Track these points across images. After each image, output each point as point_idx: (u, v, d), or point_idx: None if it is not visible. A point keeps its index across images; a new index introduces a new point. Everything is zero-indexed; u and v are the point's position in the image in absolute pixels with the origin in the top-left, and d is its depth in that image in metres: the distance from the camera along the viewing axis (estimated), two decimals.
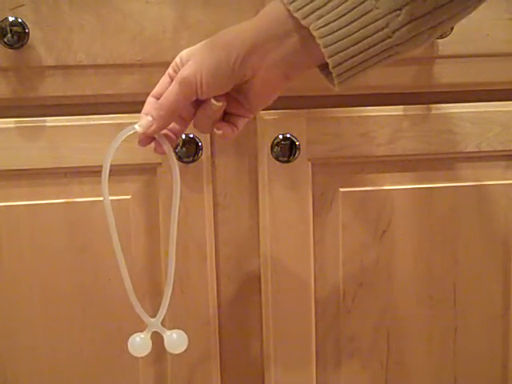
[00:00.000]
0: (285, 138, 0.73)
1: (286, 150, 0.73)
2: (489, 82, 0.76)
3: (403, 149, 0.76)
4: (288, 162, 0.73)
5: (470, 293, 0.80)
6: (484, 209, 0.79)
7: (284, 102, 0.74)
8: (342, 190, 0.77)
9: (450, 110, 0.76)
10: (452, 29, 0.71)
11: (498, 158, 0.78)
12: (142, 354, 0.63)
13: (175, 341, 0.63)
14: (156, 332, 0.63)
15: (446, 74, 0.75)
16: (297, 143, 0.73)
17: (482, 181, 0.78)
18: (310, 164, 0.75)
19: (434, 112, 0.76)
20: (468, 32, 0.73)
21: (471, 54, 0.74)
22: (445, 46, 0.73)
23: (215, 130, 0.58)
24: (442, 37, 0.72)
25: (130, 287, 0.62)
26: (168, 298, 0.62)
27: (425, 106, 0.76)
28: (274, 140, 0.73)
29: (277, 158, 0.73)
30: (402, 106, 0.75)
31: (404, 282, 0.79)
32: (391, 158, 0.76)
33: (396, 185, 0.77)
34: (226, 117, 0.59)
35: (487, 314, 0.81)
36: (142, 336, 0.63)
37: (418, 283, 0.79)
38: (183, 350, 0.63)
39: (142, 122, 0.57)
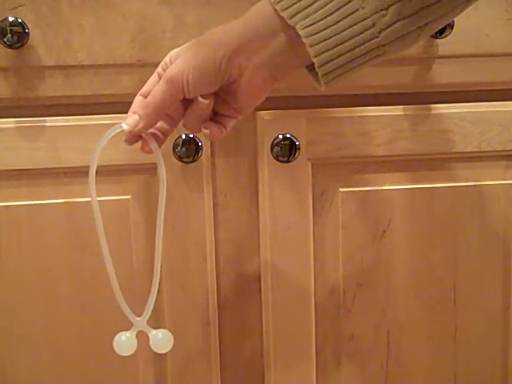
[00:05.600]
0: (285, 138, 0.73)
1: (286, 150, 0.73)
2: (489, 82, 0.76)
3: (403, 149, 0.76)
4: (288, 161, 0.73)
5: (469, 293, 0.80)
6: (484, 209, 0.79)
7: (284, 102, 0.74)
8: (341, 189, 0.77)
9: (450, 110, 0.76)
10: (452, 28, 0.71)
11: (498, 158, 0.78)
12: (127, 353, 0.63)
13: (160, 340, 0.63)
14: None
15: (446, 74, 0.75)
16: (297, 143, 0.73)
17: (482, 181, 0.78)
18: (309, 164, 0.75)
19: (433, 112, 0.76)
20: (468, 32, 0.73)
21: (471, 54, 0.74)
22: (445, 46, 0.73)
23: (203, 129, 0.58)
24: (442, 37, 0.72)
25: (116, 286, 0.62)
26: (154, 297, 0.62)
27: (425, 106, 0.76)
28: (274, 140, 0.73)
29: (277, 158, 0.73)
30: (401, 106, 0.75)
31: (404, 282, 0.79)
32: (391, 157, 0.76)
33: (396, 185, 0.77)
34: (215, 117, 0.59)
35: (487, 313, 0.81)
36: (128, 335, 0.63)
37: (418, 283, 0.79)
38: (168, 349, 0.63)
39: (128, 120, 0.57)
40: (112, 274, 0.62)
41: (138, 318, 0.63)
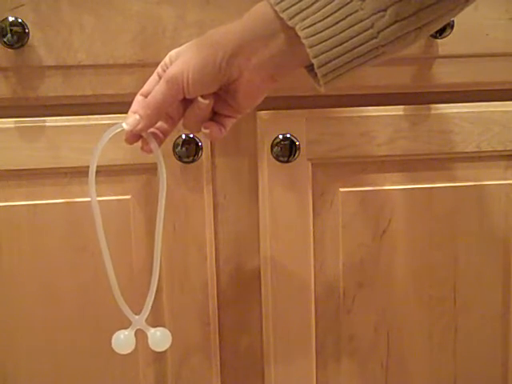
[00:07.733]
0: (285, 138, 0.73)
1: (286, 150, 0.73)
2: (489, 82, 0.76)
3: (403, 149, 0.76)
4: (288, 161, 0.73)
5: (470, 293, 0.80)
6: (484, 209, 0.79)
7: (284, 102, 0.74)
8: (341, 189, 0.77)
9: (450, 110, 0.76)
10: (452, 28, 0.71)
11: (498, 158, 0.78)
12: (125, 352, 0.63)
13: (159, 338, 0.63)
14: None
15: (445, 74, 0.75)
16: (297, 143, 0.73)
17: (482, 181, 0.78)
18: (309, 164, 0.75)
19: (433, 112, 0.76)
20: (468, 32, 0.73)
21: (471, 54, 0.74)
22: (445, 46, 0.73)
23: (203, 129, 0.58)
24: (442, 37, 0.72)
25: (115, 284, 0.62)
26: (152, 296, 0.62)
27: (425, 106, 0.76)
28: (274, 140, 0.73)
29: (277, 158, 0.73)
30: (401, 106, 0.75)
31: (404, 282, 0.79)
32: (391, 157, 0.76)
33: (396, 185, 0.77)
34: (215, 117, 0.59)
35: (487, 314, 0.81)
36: (126, 333, 0.63)
37: (418, 283, 0.79)
38: (167, 347, 0.64)
39: (129, 120, 0.57)
40: (111, 272, 0.62)
41: (137, 317, 0.63)
